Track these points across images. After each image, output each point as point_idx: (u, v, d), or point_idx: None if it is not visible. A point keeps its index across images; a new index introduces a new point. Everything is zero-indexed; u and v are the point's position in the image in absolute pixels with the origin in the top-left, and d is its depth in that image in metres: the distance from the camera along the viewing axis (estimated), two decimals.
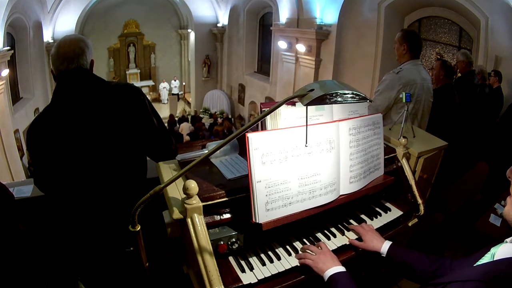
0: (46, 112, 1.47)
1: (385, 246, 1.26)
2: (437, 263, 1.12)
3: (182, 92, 15.75)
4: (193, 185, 1.07)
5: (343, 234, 1.39)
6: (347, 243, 1.34)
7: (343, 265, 1.14)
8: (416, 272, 1.15)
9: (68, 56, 1.45)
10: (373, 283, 1.56)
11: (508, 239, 0.82)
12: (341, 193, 1.34)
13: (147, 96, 1.65)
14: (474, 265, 0.85)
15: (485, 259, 0.83)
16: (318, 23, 7.57)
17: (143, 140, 1.55)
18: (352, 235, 1.39)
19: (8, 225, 1.38)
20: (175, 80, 15.22)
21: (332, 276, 1.09)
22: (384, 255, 1.26)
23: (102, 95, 1.47)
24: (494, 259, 0.79)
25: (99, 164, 1.46)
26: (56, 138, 1.42)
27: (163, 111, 13.53)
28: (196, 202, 1.10)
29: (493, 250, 0.82)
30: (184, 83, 15.77)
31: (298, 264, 1.22)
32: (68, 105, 1.44)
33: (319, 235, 1.38)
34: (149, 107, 1.58)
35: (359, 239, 1.35)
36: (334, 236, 1.38)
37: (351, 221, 1.48)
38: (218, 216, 1.18)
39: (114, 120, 1.46)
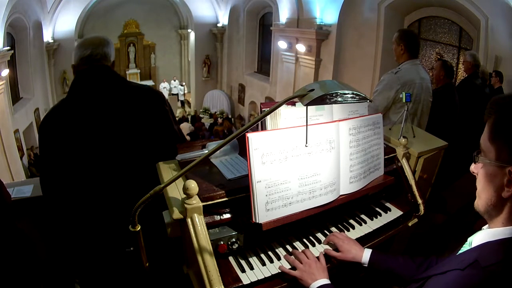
0: (61, 105, 1.43)
1: (366, 255, 1.18)
2: (424, 265, 1.09)
3: (184, 93, 15.54)
4: (193, 185, 1.07)
5: None
6: (323, 252, 1.24)
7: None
8: (404, 278, 1.10)
9: (94, 43, 1.44)
10: (373, 283, 1.56)
11: (484, 227, 0.82)
12: (341, 193, 1.34)
13: None
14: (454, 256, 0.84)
15: (463, 249, 0.83)
16: (318, 23, 7.58)
17: (162, 147, 1.51)
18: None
19: (4, 224, 1.38)
20: (174, 80, 15.19)
21: None
22: (366, 265, 1.17)
23: (122, 94, 1.44)
24: (472, 246, 0.79)
25: (108, 164, 1.44)
26: (69, 132, 1.38)
27: None
28: (196, 202, 1.10)
29: (470, 239, 0.82)
30: (184, 83, 15.73)
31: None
32: (85, 99, 1.40)
33: (319, 235, 1.38)
34: (171, 116, 1.56)
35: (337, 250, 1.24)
36: None
37: (351, 221, 1.48)
38: (218, 216, 1.18)
39: (131, 122, 1.43)
